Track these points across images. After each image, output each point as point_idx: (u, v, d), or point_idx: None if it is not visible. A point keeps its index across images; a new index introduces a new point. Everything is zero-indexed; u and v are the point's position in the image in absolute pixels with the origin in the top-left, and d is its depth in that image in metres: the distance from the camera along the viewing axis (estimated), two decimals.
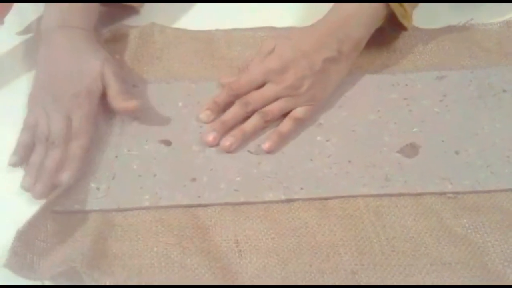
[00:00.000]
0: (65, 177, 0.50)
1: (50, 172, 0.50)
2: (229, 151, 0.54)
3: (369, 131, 0.56)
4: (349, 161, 0.53)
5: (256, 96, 0.56)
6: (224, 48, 0.63)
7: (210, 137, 0.54)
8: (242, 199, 0.51)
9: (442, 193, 0.51)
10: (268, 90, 0.56)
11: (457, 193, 0.51)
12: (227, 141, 0.54)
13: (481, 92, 0.58)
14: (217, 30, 0.65)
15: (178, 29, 0.65)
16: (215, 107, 0.56)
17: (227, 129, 0.55)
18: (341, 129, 0.56)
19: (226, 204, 0.50)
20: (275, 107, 0.55)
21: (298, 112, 0.56)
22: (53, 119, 0.53)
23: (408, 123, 0.56)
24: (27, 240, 0.46)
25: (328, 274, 0.46)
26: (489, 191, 0.51)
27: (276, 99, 0.56)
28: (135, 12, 0.67)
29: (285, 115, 0.56)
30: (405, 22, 0.59)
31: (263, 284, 0.45)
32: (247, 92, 0.56)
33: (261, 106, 0.56)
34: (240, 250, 0.47)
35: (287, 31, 0.60)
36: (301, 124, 0.56)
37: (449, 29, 0.64)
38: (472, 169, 0.52)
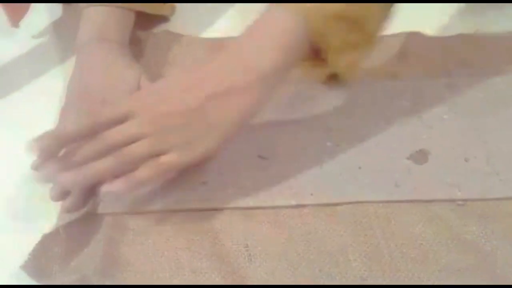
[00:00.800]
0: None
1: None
2: (63, 189, 0.47)
3: (378, 137, 0.56)
4: (359, 167, 0.53)
5: (113, 133, 0.46)
6: None
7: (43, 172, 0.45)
8: (251, 204, 0.51)
9: (451, 200, 0.51)
10: (130, 126, 0.46)
11: (466, 200, 0.51)
12: (62, 177, 0.45)
13: (491, 99, 0.58)
14: (230, 37, 0.65)
15: (191, 37, 0.66)
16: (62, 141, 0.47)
17: (70, 166, 0.45)
18: (350, 135, 0.56)
19: (236, 208, 0.51)
20: (136, 149, 0.45)
21: (164, 158, 0.45)
22: None
23: (418, 130, 0.56)
24: (46, 245, 0.47)
25: (338, 279, 0.46)
26: (498, 199, 0.51)
27: (140, 138, 0.45)
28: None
29: None
30: (329, 60, 0.49)
31: None
32: (107, 128, 0.46)
33: (119, 144, 0.45)
34: (250, 255, 0.47)
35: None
36: (167, 172, 0.47)
37: (460, 37, 0.64)
38: (481, 177, 0.52)
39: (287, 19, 0.46)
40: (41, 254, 0.46)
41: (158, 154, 0.45)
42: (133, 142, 0.45)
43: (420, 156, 0.54)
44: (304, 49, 0.48)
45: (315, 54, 0.50)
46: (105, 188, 0.45)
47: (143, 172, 0.45)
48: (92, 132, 0.46)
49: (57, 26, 0.69)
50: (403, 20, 0.66)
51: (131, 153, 0.45)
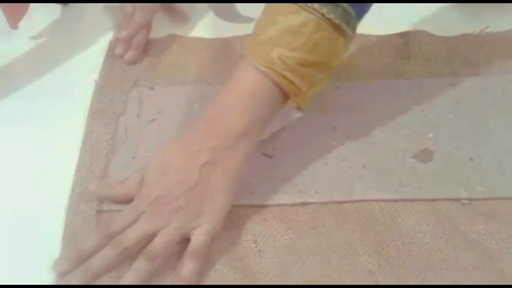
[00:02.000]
0: None
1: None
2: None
3: (383, 136, 0.56)
4: (364, 166, 0.53)
5: (129, 234, 0.46)
6: (240, 51, 0.63)
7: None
8: (256, 202, 0.51)
9: (457, 199, 0.51)
10: (143, 224, 0.46)
11: (472, 199, 0.51)
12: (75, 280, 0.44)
13: (496, 99, 0.59)
14: (234, 36, 0.66)
15: (195, 38, 0.66)
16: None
17: (94, 276, 0.45)
18: (356, 134, 0.56)
19: (241, 206, 0.50)
20: (158, 244, 0.45)
21: (194, 245, 0.46)
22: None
23: (423, 129, 0.56)
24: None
25: (346, 272, 0.46)
26: (504, 198, 0.51)
27: (156, 232, 0.46)
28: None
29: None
30: (299, 101, 0.49)
31: (283, 283, 0.45)
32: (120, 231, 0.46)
33: (135, 244, 0.45)
34: (260, 250, 0.47)
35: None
36: (204, 256, 0.46)
37: (464, 37, 0.64)
38: (486, 176, 0.52)
39: (254, 78, 0.47)
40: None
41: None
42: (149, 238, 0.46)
43: (425, 155, 0.54)
44: (278, 99, 0.49)
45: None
46: None
47: (187, 269, 0.45)
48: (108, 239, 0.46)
49: (57, 26, 0.69)
50: (408, 20, 0.67)
51: (157, 249, 0.45)
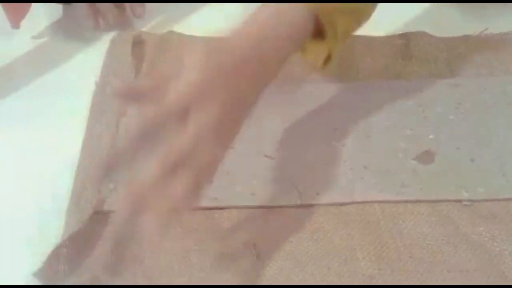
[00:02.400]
0: None
1: None
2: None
3: (384, 137, 0.56)
4: (365, 167, 0.53)
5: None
6: None
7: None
8: (258, 203, 0.51)
9: (458, 201, 0.51)
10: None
11: (473, 200, 0.51)
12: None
13: (496, 100, 0.59)
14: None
15: (194, 36, 0.66)
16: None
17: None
18: (356, 135, 0.56)
19: (242, 207, 0.50)
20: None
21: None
22: None
23: (424, 130, 0.56)
24: (56, 248, 0.46)
25: (346, 277, 0.46)
26: (505, 199, 0.51)
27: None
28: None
29: None
30: (332, 45, 0.48)
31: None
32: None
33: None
34: (258, 253, 0.47)
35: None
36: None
37: (465, 38, 0.64)
38: (487, 177, 0.52)
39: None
40: (52, 258, 0.46)
41: None
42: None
43: (426, 157, 0.54)
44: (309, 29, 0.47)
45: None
46: None
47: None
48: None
49: (57, 26, 0.69)
50: (408, 21, 0.67)
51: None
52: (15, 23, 0.60)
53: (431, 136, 0.56)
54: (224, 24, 0.67)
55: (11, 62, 0.65)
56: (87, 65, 0.63)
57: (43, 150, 0.55)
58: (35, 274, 0.44)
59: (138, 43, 0.64)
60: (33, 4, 0.67)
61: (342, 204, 0.51)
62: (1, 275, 0.46)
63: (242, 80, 0.44)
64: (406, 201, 0.51)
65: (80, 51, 0.65)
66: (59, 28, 0.69)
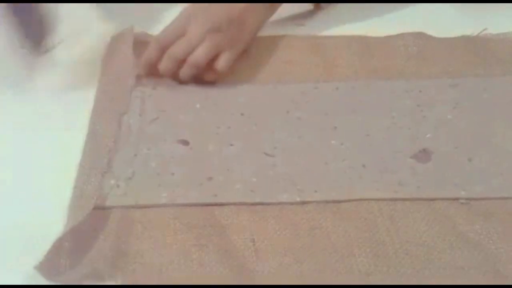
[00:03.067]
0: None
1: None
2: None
3: (383, 136, 0.56)
4: (363, 165, 0.54)
5: (180, 46, 0.59)
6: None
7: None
8: (257, 200, 0.51)
9: (455, 199, 0.51)
10: (191, 34, 0.59)
11: (470, 199, 0.51)
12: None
13: (495, 100, 0.59)
14: None
15: None
16: (147, 66, 0.61)
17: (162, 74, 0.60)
18: (355, 134, 0.57)
19: (242, 204, 0.51)
20: (200, 55, 0.59)
21: (222, 62, 0.60)
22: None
23: (422, 129, 0.57)
24: (57, 242, 0.46)
25: (343, 274, 0.46)
26: (502, 198, 0.51)
27: (200, 42, 0.59)
28: None
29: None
30: None
31: (279, 283, 0.46)
32: (172, 42, 0.59)
33: (187, 53, 0.59)
34: (257, 249, 0.48)
35: None
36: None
37: (464, 39, 0.65)
38: (485, 176, 0.53)
39: None
40: (53, 252, 0.46)
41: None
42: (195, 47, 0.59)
43: (424, 156, 0.55)
44: None
45: None
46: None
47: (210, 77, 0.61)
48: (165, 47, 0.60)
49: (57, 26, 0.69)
50: (407, 21, 0.67)
51: (198, 60, 0.59)
52: (38, 49, 0.60)
53: (429, 135, 0.56)
54: None
55: (11, 61, 0.65)
56: (89, 63, 0.64)
57: (45, 147, 0.56)
58: (36, 268, 0.45)
59: (139, 43, 0.64)
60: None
61: (340, 202, 0.51)
62: (2, 271, 0.47)
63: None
64: (404, 199, 0.51)
65: (80, 51, 0.66)
66: (59, 27, 0.69)
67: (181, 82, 0.61)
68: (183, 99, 0.60)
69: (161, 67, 0.60)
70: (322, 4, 0.69)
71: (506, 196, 0.51)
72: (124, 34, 0.65)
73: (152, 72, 0.61)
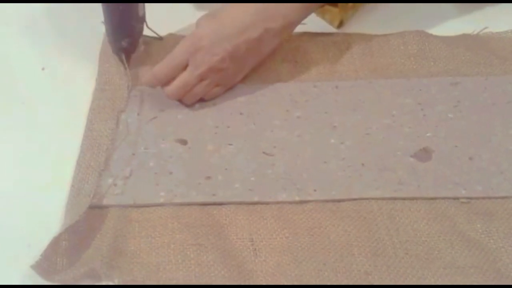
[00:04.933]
0: None
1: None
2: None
3: (383, 135, 0.56)
4: (363, 164, 0.54)
5: (177, 88, 0.57)
6: None
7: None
8: (256, 199, 0.51)
9: (455, 198, 0.51)
10: (188, 76, 0.56)
11: (470, 198, 0.51)
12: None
13: (495, 99, 0.59)
14: None
15: None
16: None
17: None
18: (355, 132, 0.56)
19: (241, 203, 0.51)
20: (197, 94, 0.58)
21: (212, 95, 0.59)
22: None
23: (422, 128, 0.56)
24: (55, 242, 0.46)
25: (342, 273, 0.46)
26: (502, 197, 0.51)
27: (197, 83, 0.57)
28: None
29: None
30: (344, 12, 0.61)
31: (278, 283, 0.45)
32: (169, 79, 0.57)
33: (185, 93, 0.57)
34: (255, 249, 0.47)
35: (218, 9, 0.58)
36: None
37: (464, 37, 0.65)
38: (485, 175, 0.52)
39: None
40: (50, 251, 0.46)
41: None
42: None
43: (424, 154, 0.54)
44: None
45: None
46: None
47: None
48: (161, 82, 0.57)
49: (58, 25, 0.69)
50: (408, 20, 0.67)
51: (190, 99, 0.58)
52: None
53: (429, 134, 0.56)
54: None
55: (11, 61, 0.65)
56: (88, 62, 0.63)
57: (43, 145, 0.56)
58: (33, 267, 0.45)
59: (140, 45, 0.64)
60: (33, 4, 0.68)
61: (339, 201, 0.51)
62: (0, 269, 0.47)
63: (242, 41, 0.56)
64: (404, 199, 0.51)
65: (80, 50, 0.65)
66: (59, 27, 0.69)
67: None
68: None
69: (145, 82, 0.59)
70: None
71: (507, 195, 0.51)
72: None
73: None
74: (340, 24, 0.67)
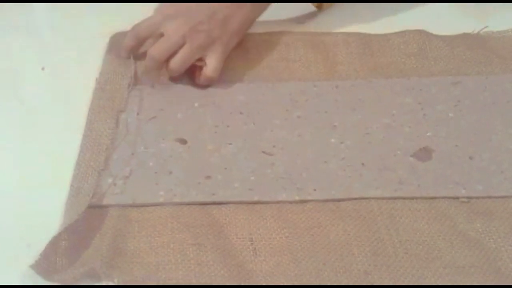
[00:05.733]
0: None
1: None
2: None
3: (383, 134, 0.56)
4: (363, 164, 0.54)
5: (160, 47, 0.58)
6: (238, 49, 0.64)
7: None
8: (256, 198, 0.51)
9: (455, 198, 0.51)
10: (171, 34, 0.57)
11: (470, 197, 0.51)
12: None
13: (495, 98, 0.59)
14: None
15: None
16: (126, 52, 0.61)
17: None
18: (355, 132, 0.56)
19: (240, 202, 0.51)
20: (180, 60, 0.58)
21: (211, 68, 0.59)
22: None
23: (422, 127, 0.56)
24: (54, 241, 0.46)
25: (342, 273, 0.46)
26: (502, 197, 0.51)
27: (180, 43, 0.57)
28: None
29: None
30: None
31: (277, 283, 0.45)
32: (149, 34, 0.59)
33: (168, 54, 0.58)
34: (255, 248, 0.47)
35: None
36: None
37: (464, 36, 0.65)
38: (485, 175, 0.52)
39: None
40: (49, 251, 0.46)
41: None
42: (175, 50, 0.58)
43: (424, 154, 0.54)
44: None
45: None
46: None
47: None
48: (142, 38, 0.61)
49: (58, 25, 0.70)
50: (408, 19, 0.67)
51: (174, 67, 0.59)
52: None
53: (429, 134, 0.56)
54: None
55: (11, 60, 0.65)
56: (88, 62, 0.64)
57: (42, 144, 0.56)
58: (32, 267, 0.45)
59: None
60: (33, 4, 0.68)
61: (339, 200, 0.51)
62: (0, 269, 0.47)
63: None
64: (404, 198, 0.51)
65: (80, 49, 0.66)
66: (59, 26, 0.69)
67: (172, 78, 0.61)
68: (181, 98, 0.59)
69: (145, 67, 0.60)
70: (324, 5, 0.69)
71: (507, 194, 0.51)
72: (123, 34, 0.65)
73: (132, 56, 0.61)
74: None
